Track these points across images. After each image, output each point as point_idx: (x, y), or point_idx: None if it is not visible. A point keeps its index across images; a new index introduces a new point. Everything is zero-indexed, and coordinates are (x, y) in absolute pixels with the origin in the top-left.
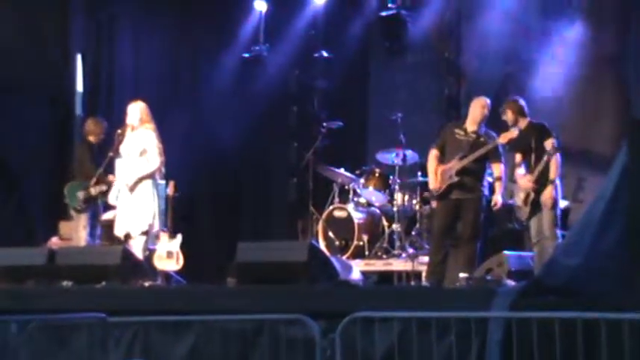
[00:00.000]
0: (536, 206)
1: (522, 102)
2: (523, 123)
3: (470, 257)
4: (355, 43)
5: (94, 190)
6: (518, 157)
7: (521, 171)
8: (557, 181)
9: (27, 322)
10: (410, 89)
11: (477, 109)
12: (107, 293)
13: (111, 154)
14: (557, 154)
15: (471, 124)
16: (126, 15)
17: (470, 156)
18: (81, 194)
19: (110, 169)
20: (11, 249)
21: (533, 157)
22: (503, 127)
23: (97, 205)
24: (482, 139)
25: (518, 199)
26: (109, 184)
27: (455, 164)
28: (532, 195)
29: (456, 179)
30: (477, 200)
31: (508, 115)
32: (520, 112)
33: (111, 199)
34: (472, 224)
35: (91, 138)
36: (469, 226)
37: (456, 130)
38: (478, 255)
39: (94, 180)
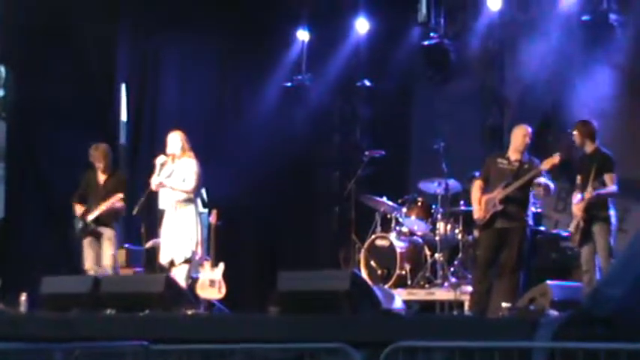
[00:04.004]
0: (586, 235)
1: (594, 125)
2: (590, 147)
3: (513, 287)
4: (398, 73)
5: (89, 218)
6: (579, 179)
7: (577, 197)
8: (612, 212)
9: (71, 350)
10: (452, 118)
11: (519, 137)
12: (150, 321)
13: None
14: (615, 188)
15: (513, 153)
16: (171, 45)
17: (514, 184)
18: (79, 222)
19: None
20: (57, 277)
21: (590, 187)
22: (547, 155)
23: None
24: (526, 167)
25: (571, 225)
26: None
27: (498, 193)
28: (582, 224)
29: (499, 208)
30: (522, 229)
31: (576, 137)
32: (589, 135)
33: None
34: (516, 254)
35: (95, 164)
36: (513, 256)
37: (499, 160)
38: (522, 285)
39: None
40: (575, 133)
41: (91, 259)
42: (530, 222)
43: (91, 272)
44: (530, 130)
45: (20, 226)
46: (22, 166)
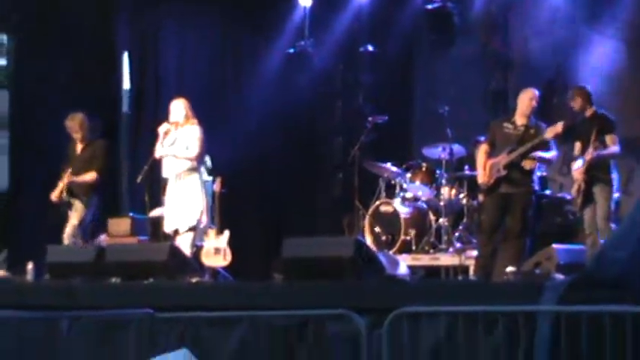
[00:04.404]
0: (588, 198)
1: (589, 89)
2: (589, 111)
3: (518, 252)
4: (401, 37)
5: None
6: (577, 146)
7: (578, 163)
8: (614, 175)
9: (77, 319)
10: (456, 82)
11: (525, 101)
12: (155, 289)
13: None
14: (617, 149)
15: (519, 118)
16: (171, 13)
17: (518, 149)
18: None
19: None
20: (61, 246)
21: (590, 148)
22: (554, 119)
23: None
24: (531, 132)
25: (573, 189)
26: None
27: (503, 158)
28: (583, 186)
29: (503, 173)
30: (526, 195)
31: (577, 102)
32: (588, 100)
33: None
34: (521, 219)
35: (73, 134)
36: (518, 221)
37: (505, 124)
38: (527, 249)
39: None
40: (576, 98)
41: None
42: (537, 187)
43: (65, 242)
44: (537, 93)
45: (25, 195)
46: (25, 136)
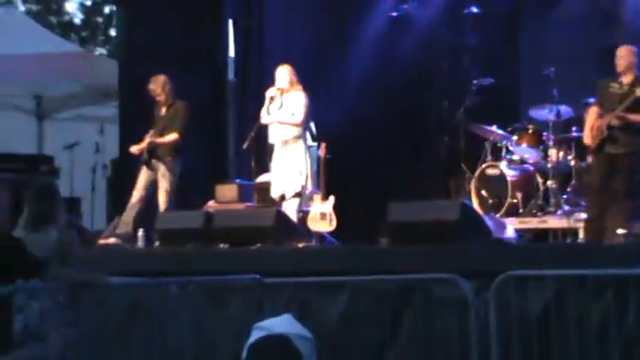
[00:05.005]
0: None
1: None
2: None
3: (626, 213)
4: None
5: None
6: None
7: None
8: None
9: (186, 284)
10: (563, 42)
11: (623, 58)
12: (262, 255)
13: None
14: None
15: (624, 76)
16: None
17: (618, 109)
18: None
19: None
20: (170, 212)
21: None
22: None
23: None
24: (636, 90)
25: None
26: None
27: (607, 118)
28: None
29: (606, 133)
30: (631, 155)
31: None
32: None
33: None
34: (625, 180)
35: (156, 97)
36: (623, 183)
37: (611, 84)
38: (636, 211)
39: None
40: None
41: (138, 189)
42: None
43: (161, 208)
44: (634, 49)
45: (134, 164)
46: (134, 106)
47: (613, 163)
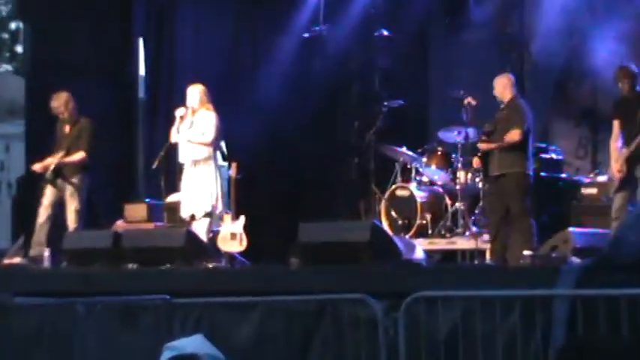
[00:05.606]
0: (625, 183)
1: (634, 68)
2: (634, 91)
3: (524, 233)
4: (415, 21)
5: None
6: (616, 125)
7: (618, 143)
8: None
9: (94, 304)
10: (471, 66)
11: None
12: (172, 275)
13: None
14: None
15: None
16: None
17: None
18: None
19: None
20: (79, 232)
21: (633, 130)
22: (570, 103)
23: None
24: (504, 112)
25: (613, 168)
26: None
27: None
28: (625, 168)
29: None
30: (517, 175)
31: (624, 83)
32: (635, 79)
33: None
34: (515, 200)
35: (58, 115)
36: (514, 202)
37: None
38: (535, 230)
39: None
40: (621, 80)
41: (45, 208)
42: (530, 168)
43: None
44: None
45: (41, 183)
46: (41, 123)
47: (500, 184)
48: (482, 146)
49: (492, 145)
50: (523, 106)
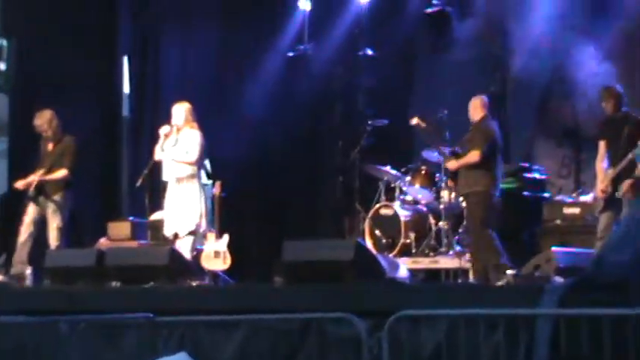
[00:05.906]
0: (611, 203)
1: (619, 89)
2: (621, 112)
3: (486, 245)
4: (400, 41)
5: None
6: (602, 145)
7: (604, 164)
8: None
9: (77, 322)
10: (455, 86)
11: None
12: (155, 293)
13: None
14: None
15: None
16: (171, 17)
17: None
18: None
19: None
20: (61, 250)
21: (619, 150)
22: (552, 123)
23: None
24: (471, 132)
25: (598, 189)
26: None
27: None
28: (609, 189)
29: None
30: (479, 194)
31: (609, 102)
32: (620, 100)
33: None
34: (474, 217)
35: (42, 133)
36: (470, 220)
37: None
38: (497, 237)
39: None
40: (607, 100)
41: (26, 225)
42: (496, 188)
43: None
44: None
45: (23, 200)
46: (24, 141)
47: (467, 203)
48: (448, 166)
49: (455, 165)
50: (489, 127)
